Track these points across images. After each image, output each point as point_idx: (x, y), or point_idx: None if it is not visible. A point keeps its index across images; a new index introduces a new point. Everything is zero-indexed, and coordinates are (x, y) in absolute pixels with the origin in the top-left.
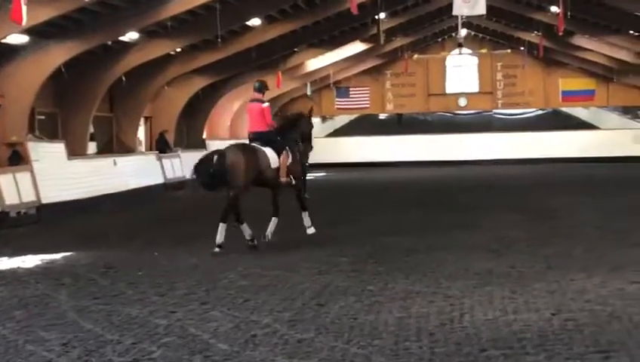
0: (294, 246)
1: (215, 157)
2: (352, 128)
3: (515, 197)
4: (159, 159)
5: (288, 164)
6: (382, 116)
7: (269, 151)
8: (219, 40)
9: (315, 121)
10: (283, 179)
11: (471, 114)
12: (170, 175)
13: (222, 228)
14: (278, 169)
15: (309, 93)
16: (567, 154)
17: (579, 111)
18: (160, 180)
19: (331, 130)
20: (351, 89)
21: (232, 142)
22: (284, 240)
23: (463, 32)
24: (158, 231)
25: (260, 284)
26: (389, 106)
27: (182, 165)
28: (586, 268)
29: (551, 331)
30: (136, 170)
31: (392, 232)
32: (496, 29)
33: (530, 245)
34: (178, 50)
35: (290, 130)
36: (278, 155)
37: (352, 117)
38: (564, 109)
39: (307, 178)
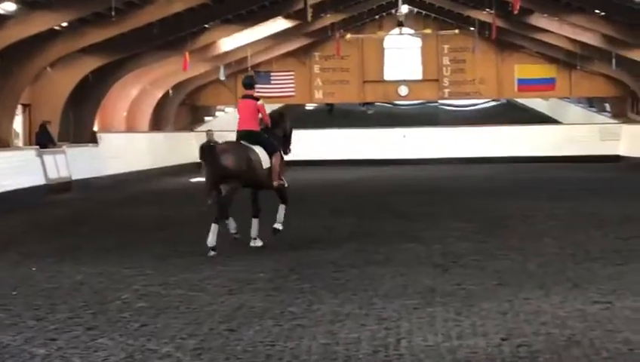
0: (203, 260)
1: (206, 152)
2: None
3: (463, 203)
4: (40, 155)
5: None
6: (309, 106)
7: (259, 151)
8: (113, 13)
9: (229, 111)
10: (276, 183)
11: (413, 105)
12: (52, 175)
13: (214, 228)
14: (269, 169)
15: (222, 78)
16: (523, 152)
17: (537, 103)
18: (41, 181)
19: None
20: (272, 74)
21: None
22: (191, 252)
23: (404, 8)
24: (36, 242)
25: (159, 306)
26: (318, 95)
27: (67, 163)
28: (542, 285)
29: (501, 359)
30: (12, 169)
31: (319, 243)
32: (443, 6)
33: (480, 259)
34: (64, 24)
35: (275, 127)
36: (269, 156)
37: (274, 107)
38: (521, 100)
39: None
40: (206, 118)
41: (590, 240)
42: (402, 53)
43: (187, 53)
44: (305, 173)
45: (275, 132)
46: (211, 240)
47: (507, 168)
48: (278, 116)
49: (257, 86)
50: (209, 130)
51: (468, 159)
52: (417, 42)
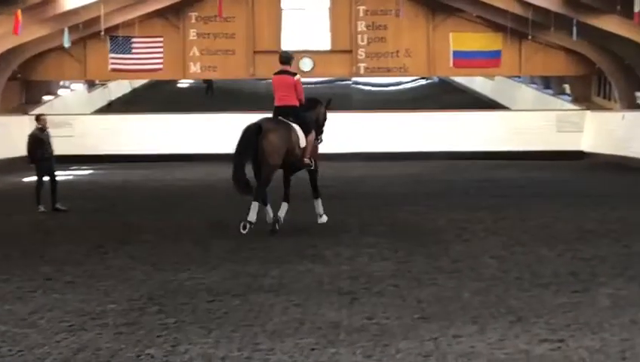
0: (35, 285)
1: (250, 131)
2: (136, 101)
3: (380, 212)
4: None
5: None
6: (182, 83)
7: (299, 130)
8: None
9: (79, 88)
10: (306, 160)
11: (319, 83)
12: None
13: (254, 205)
14: (303, 149)
15: (66, 44)
16: (459, 146)
17: (479, 83)
18: None
19: (104, 104)
20: (134, 41)
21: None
22: (20, 275)
23: None
24: None
25: None
26: (194, 68)
27: None
28: (477, 318)
29: None
30: None
31: (189, 263)
32: None
33: (400, 284)
34: None
35: (309, 110)
36: (305, 134)
37: (138, 83)
38: (458, 79)
39: None
40: (45, 98)
41: (541, 261)
42: (305, 16)
43: (19, 12)
44: (178, 170)
45: (308, 114)
46: (252, 216)
47: (439, 167)
48: (313, 101)
49: (113, 56)
50: (40, 115)
51: (389, 154)
52: (325, 2)
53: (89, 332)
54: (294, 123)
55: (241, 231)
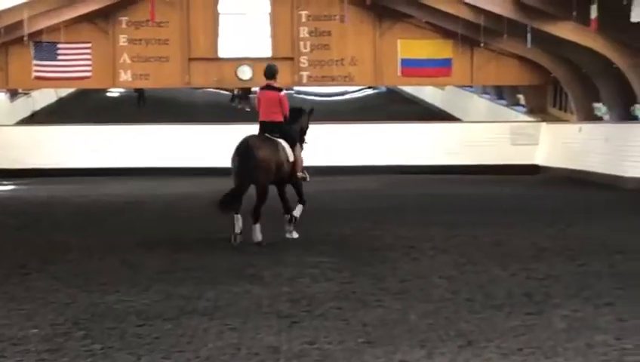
0: None
1: (241, 149)
2: (62, 111)
3: (323, 229)
4: None
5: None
6: (112, 92)
7: (285, 144)
8: None
9: (0, 97)
10: (299, 174)
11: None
12: None
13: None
14: (293, 163)
15: None
16: (408, 160)
17: (428, 93)
18: None
19: (27, 115)
20: (60, 46)
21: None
22: None
23: None
24: None
25: None
26: (125, 76)
27: None
28: (425, 342)
29: None
30: None
31: (117, 285)
32: None
33: (344, 306)
34: None
35: (293, 122)
36: (291, 147)
37: (64, 92)
38: (406, 89)
39: None
40: None
41: (493, 281)
42: (244, 21)
43: None
44: (106, 185)
45: (293, 126)
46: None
47: (387, 181)
48: (297, 111)
49: (38, 63)
50: None
51: (334, 168)
52: (265, 6)
53: (9, 359)
54: (280, 138)
55: (233, 242)
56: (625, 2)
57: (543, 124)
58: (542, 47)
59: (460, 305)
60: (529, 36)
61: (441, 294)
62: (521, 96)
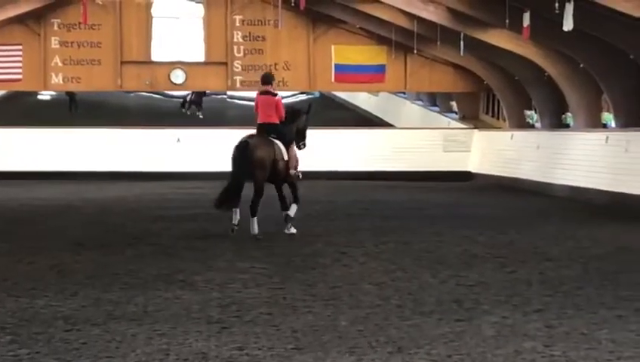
0: None
1: (241, 148)
2: None
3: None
4: None
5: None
6: (44, 95)
7: (280, 145)
8: None
9: None
10: (292, 172)
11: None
12: None
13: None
14: (287, 162)
15: None
16: (341, 166)
17: (362, 99)
18: None
19: None
20: None
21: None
22: None
23: None
24: None
25: None
26: (56, 79)
27: None
28: (354, 348)
29: None
30: None
31: (45, 289)
32: None
33: (274, 312)
34: None
35: (289, 123)
36: (286, 148)
37: None
38: (340, 94)
39: None
40: None
41: (423, 288)
42: (178, 25)
43: None
44: (36, 189)
45: (289, 127)
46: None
47: (320, 187)
48: (293, 113)
49: None
50: None
51: None
52: (199, 10)
53: None
54: (276, 139)
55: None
56: (557, 11)
57: (476, 131)
58: (475, 54)
59: (390, 312)
60: (462, 44)
61: (372, 300)
62: (453, 103)
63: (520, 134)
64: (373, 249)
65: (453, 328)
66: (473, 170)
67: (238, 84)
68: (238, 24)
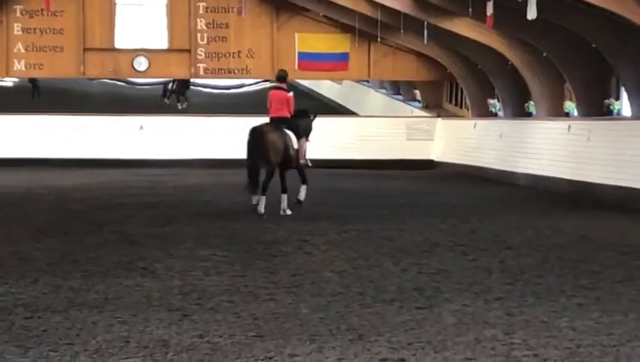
0: None
1: (254, 135)
2: None
3: (215, 223)
4: None
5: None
6: (6, 82)
7: (291, 134)
8: None
9: None
10: (302, 161)
11: (156, 84)
12: None
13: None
14: (297, 150)
15: None
16: (309, 153)
17: (326, 87)
18: None
19: None
20: None
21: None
22: None
23: None
24: None
25: None
26: (18, 66)
27: None
28: (316, 336)
29: None
30: None
31: (5, 277)
32: None
33: (234, 300)
34: None
35: (298, 119)
36: (297, 139)
37: None
38: (304, 82)
39: None
40: None
41: (385, 276)
42: (141, 12)
43: None
44: None
45: (298, 122)
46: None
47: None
48: (301, 112)
49: None
50: None
51: (230, 161)
52: None
53: None
54: (287, 130)
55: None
56: (520, 0)
57: (439, 120)
58: (438, 43)
59: (351, 300)
60: (426, 32)
61: (333, 288)
62: (417, 92)
63: (483, 123)
64: (335, 237)
65: (414, 316)
66: (436, 159)
67: (201, 72)
68: (201, 11)
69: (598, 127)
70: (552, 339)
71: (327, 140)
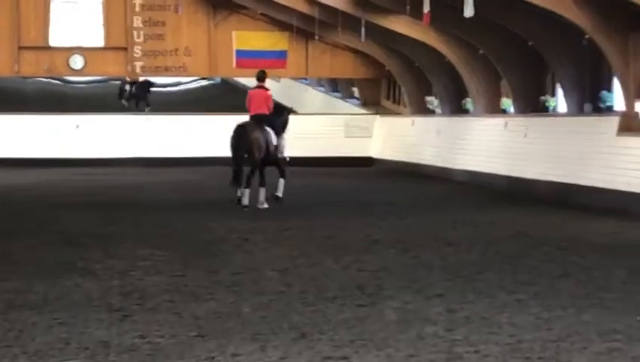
0: None
1: (239, 133)
2: None
3: (155, 222)
4: None
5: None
6: None
7: (271, 131)
8: None
9: None
10: (281, 155)
11: (92, 82)
12: None
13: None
14: (276, 146)
15: None
16: None
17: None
18: None
19: None
20: None
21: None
22: None
23: None
24: None
25: None
26: None
27: None
28: (258, 335)
29: None
30: None
31: None
32: None
33: (175, 300)
34: None
35: (276, 117)
36: (277, 135)
37: None
38: (241, 80)
39: None
40: None
41: (326, 274)
42: (76, 10)
43: None
44: None
45: (277, 119)
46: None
47: (221, 173)
48: (280, 108)
49: None
50: None
51: (165, 160)
52: None
53: None
54: (267, 127)
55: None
56: None
57: (377, 117)
58: (376, 40)
59: (292, 298)
60: (363, 30)
61: (274, 287)
62: (355, 89)
63: (421, 120)
64: (275, 235)
65: (356, 313)
66: (375, 156)
67: (138, 70)
68: (137, 9)
69: (534, 123)
70: (492, 335)
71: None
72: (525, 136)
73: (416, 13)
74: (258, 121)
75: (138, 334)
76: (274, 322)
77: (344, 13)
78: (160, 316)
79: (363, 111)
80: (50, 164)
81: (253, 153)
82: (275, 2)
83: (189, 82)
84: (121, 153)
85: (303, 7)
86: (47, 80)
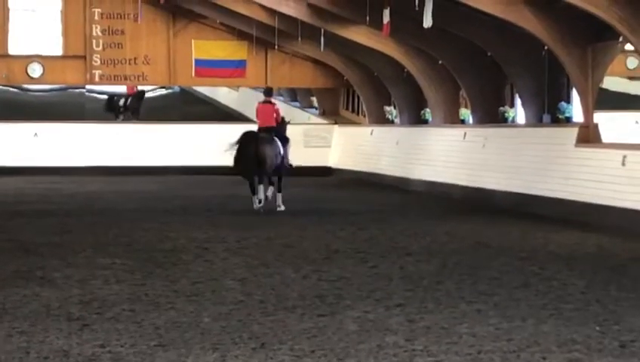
0: None
1: (251, 146)
2: None
3: (114, 231)
4: None
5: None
6: None
7: (278, 141)
8: None
9: None
10: (287, 164)
11: (50, 91)
12: None
13: (261, 188)
14: (282, 156)
15: None
16: (200, 160)
17: (223, 94)
18: None
19: None
20: None
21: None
22: None
23: None
24: None
25: None
26: None
27: None
28: (218, 344)
29: None
30: None
31: None
32: None
33: (135, 309)
34: None
35: (281, 127)
36: (283, 146)
37: None
38: (200, 89)
39: None
40: None
41: (286, 283)
42: (35, 18)
43: None
44: None
45: (282, 130)
46: (261, 195)
47: (179, 182)
48: (282, 120)
49: None
50: None
51: (125, 168)
52: (57, 3)
53: None
54: (276, 137)
55: (256, 205)
56: (417, 8)
57: (336, 127)
58: (335, 50)
59: (252, 308)
60: (322, 40)
61: (234, 296)
62: (314, 99)
63: (379, 130)
64: (235, 244)
65: (316, 323)
66: (333, 166)
67: (97, 78)
68: (96, 17)
69: (492, 134)
70: (452, 345)
71: (223, 147)
72: (484, 146)
73: (376, 23)
74: (268, 132)
75: (98, 343)
76: (234, 332)
77: (304, 23)
78: (120, 325)
79: (322, 120)
80: (7, 172)
81: (266, 165)
82: (234, 12)
83: (148, 91)
84: (80, 162)
85: (263, 17)
86: (4, 88)
